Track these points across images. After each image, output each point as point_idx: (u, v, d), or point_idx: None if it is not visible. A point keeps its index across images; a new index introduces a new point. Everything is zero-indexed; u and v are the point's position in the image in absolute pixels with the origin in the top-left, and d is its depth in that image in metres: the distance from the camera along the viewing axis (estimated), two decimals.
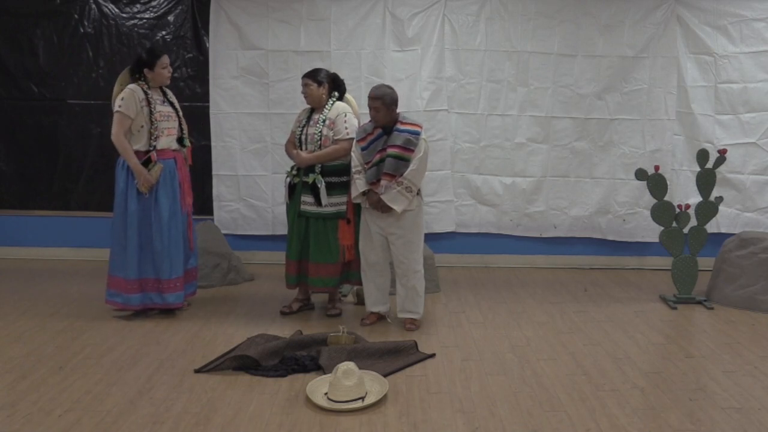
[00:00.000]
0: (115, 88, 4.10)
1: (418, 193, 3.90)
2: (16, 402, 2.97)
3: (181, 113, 4.26)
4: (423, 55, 5.35)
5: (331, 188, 4.05)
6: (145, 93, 4.02)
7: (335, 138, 4.05)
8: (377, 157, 3.86)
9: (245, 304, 4.45)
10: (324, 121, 4.07)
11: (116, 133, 3.96)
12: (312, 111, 4.18)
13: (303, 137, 4.12)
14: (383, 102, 3.82)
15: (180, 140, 4.21)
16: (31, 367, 3.36)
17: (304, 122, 4.17)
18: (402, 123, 3.88)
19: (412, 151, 3.81)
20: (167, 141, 4.10)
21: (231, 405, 2.98)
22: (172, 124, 4.15)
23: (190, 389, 3.13)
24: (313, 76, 4.10)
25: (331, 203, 4.05)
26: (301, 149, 4.12)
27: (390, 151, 3.81)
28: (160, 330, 3.93)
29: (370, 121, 3.97)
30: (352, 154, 3.99)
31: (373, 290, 4.09)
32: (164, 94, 4.19)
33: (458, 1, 5.32)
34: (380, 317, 4.16)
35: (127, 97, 3.96)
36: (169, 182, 4.09)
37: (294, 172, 4.15)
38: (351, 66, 5.35)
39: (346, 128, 4.06)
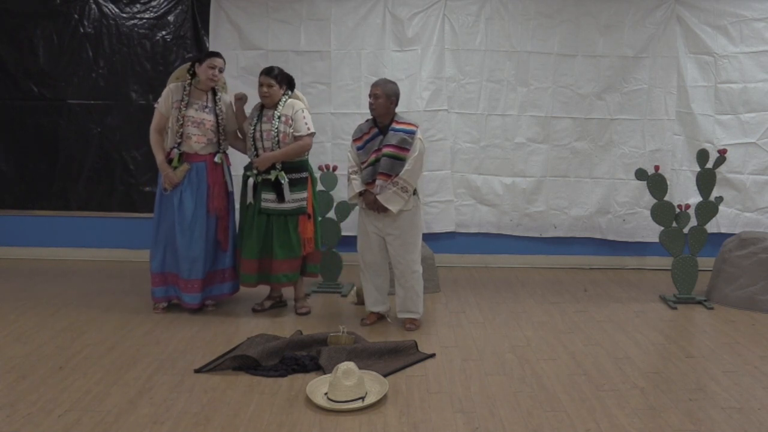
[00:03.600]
0: (168, 80, 4.20)
1: (414, 193, 3.88)
2: (16, 402, 2.97)
3: (224, 126, 4.13)
4: (423, 55, 5.35)
5: (292, 185, 4.04)
6: (185, 94, 4.02)
7: (296, 134, 4.02)
8: (373, 156, 3.84)
9: (245, 304, 4.45)
10: (279, 117, 4.02)
11: (151, 129, 4.10)
12: (262, 107, 4.12)
13: (257, 134, 4.06)
14: (383, 90, 3.81)
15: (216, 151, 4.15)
16: (31, 367, 3.36)
17: (255, 120, 4.10)
18: (397, 122, 3.87)
19: (408, 150, 3.79)
20: (195, 147, 4.07)
21: (231, 405, 2.98)
22: (203, 132, 4.07)
23: (190, 389, 3.13)
24: (273, 76, 4.02)
25: (292, 199, 4.05)
26: (256, 147, 4.08)
27: (385, 150, 3.80)
28: (160, 330, 3.93)
29: (367, 120, 3.97)
30: (348, 154, 3.99)
31: (372, 290, 4.09)
32: (214, 102, 4.12)
33: (458, 1, 5.32)
34: (380, 317, 4.16)
35: (164, 95, 4.07)
36: (196, 184, 4.08)
37: (255, 171, 4.08)
38: (351, 66, 5.35)
39: (306, 124, 4.04)
